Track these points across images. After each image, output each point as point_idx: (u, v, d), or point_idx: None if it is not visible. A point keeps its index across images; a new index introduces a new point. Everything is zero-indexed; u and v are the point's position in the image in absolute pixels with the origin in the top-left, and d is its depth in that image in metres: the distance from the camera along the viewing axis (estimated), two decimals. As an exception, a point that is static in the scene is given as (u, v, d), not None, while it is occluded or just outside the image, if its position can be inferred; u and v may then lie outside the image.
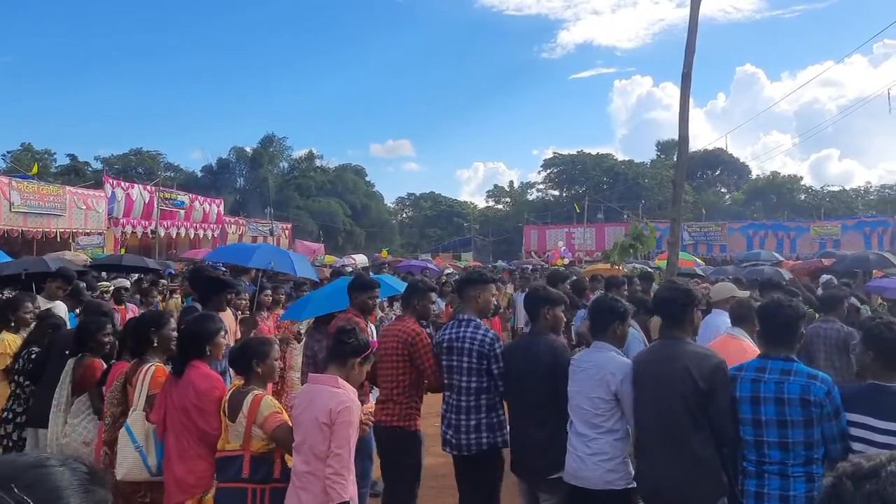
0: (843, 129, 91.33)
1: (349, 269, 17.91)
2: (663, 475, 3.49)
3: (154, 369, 4.04)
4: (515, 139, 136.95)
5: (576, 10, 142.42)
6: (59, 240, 23.76)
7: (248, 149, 62.92)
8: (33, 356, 5.21)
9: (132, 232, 29.44)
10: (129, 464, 3.84)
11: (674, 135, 9.78)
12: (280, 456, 3.56)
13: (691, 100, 9.41)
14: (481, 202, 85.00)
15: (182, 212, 33.36)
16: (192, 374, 3.78)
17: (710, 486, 3.40)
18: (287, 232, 45.45)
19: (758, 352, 4.64)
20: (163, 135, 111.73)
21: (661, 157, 73.12)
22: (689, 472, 3.41)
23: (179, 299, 11.81)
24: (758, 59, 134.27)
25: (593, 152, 73.17)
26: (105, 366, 4.67)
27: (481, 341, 4.41)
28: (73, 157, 55.45)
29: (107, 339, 4.86)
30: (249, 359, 3.69)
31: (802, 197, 67.93)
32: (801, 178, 73.69)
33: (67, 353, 4.84)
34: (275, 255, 8.40)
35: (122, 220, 28.56)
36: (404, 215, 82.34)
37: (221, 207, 38.18)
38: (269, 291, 8.20)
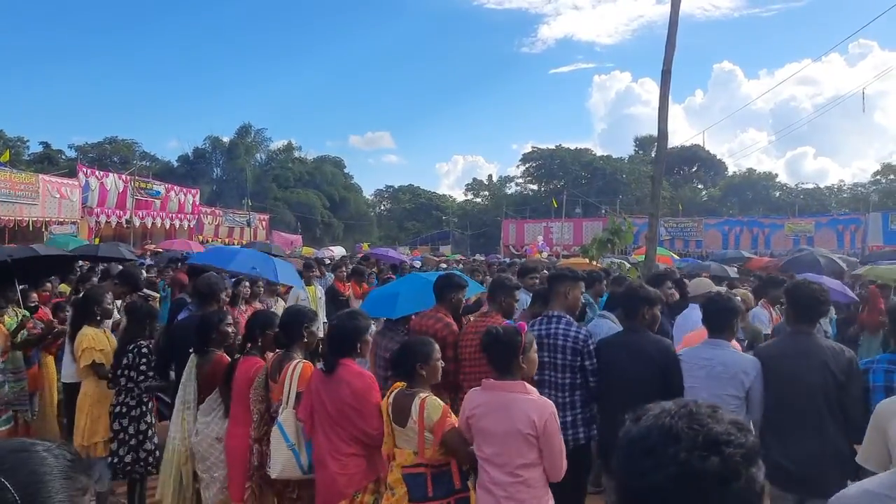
0: (818, 127, 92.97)
1: (327, 260, 17.81)
2: (806, 460, 3.64)
3: (302, 366, 3.98)
4: (495, 133, 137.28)
5: (556, 4, 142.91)
6: (31, 228, 23.40)
7: (224, 139, 62.26)
8: (143, 349, 5.13)
9: (106, 221, 29.07)
10: (283, 462, 3.82)
11: (652, 131, 9.91)
12: (456, 465, 3.46)
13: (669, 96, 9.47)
14: (460, 195, 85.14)
15: (157, 202, 33.00)
16: (343, 373, 3.70)
17: (843, 470, 3.58)
18: (264, 223, 45.13)
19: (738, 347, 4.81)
20: (138, 123, 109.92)
21: (640, 152, 73.64)
22: (826, 458, 3.62)
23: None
24: (736, 57, 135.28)
25: (572, 147, 73.44)
26: (229, 360, 4.56)
27: (574, 338, 4.44)
28: (46, 144, 54.51)
29: (231, 331, 4.73)
30: (412, 361, 3.55)
31: (777, 194, 68.85)
32: (777, 175, 74.84)
33: (191, 351, 4.71)
34: (257, 259, 8.27)
35: (96, 210, 28.19)
36: (383, 208, 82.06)
37: (198, 198, 37.81)
38: (247, 284, 8.14)
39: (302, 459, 3.83)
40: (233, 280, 8.13)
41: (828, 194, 71.05)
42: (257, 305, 8.08)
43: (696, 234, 45.54)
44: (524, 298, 7.65)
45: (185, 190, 36.95)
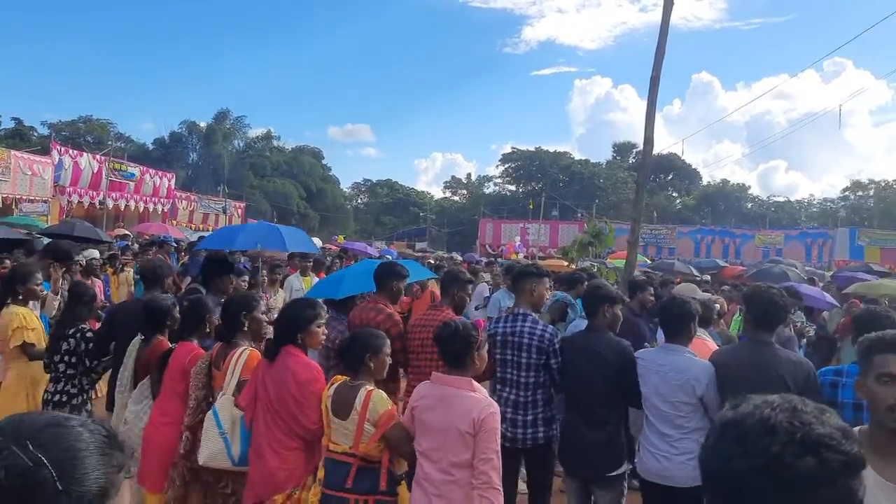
0: (791, 141, 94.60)
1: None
2: None
3: (248, 354, 3.83)
4: (475, 132, 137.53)
5: (541, 6, 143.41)
6: (1, 205, 22.89)
7: (202, 124, 61.48)
8: (87, 334, 4.90)
9: (79, 202, 28.50)
10: (213, 449, 3.62)
11: (630, 137, 10.06)
12: (386, 467, 3.31)
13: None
14: (438, 192, 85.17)
15: (132, 184, 32.46)
16: (290, 362, 3.54)
17: None
18: (240, 211, 44.67)
19: (715, 348, 4.85)
20: (114, 104, 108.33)
21: (617, 158, 74.31)
22: None
23: (131, 274, 11.51)
24: (715, 68, 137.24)
25: (551, 150, 73.90)
26: (170, 346, 4.41)
27: (540, 336, 4.38)
28: (18, 120, 53.22)
29: (177, 318, 4.56)
30: (362, 352, 3.43)
31: (749, 205, 69.96)
32: (749, 187, 75.98)
33: (141, 335, 4.53)
34: (262, 233, 8.03)
35: (68, 189, 27.64)
36: (360, 201, 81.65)
37: (173, 182, 37.27)
38: (264, 272, 8.02)
39: (233, 449, 3.62)
40: (251, 267, 7.98)
41: (798, 208, 72.41)
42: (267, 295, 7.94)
43: (669, 242, 46.11)
44: (506, 298, 7.71)
45: (160, 173, 36.40)
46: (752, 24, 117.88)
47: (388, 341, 3.58)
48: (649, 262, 24.52)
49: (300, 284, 9.23)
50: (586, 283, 7.60)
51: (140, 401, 4.31)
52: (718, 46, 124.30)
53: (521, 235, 46.48)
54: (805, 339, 8.54)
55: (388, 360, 3.57)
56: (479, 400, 3.16)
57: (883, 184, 67.32)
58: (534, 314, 4.57)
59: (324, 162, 70.65)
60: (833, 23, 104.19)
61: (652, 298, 6.93)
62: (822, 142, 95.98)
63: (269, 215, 52.09)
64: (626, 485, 4.30)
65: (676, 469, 3.84)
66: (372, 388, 3.35)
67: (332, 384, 3.45)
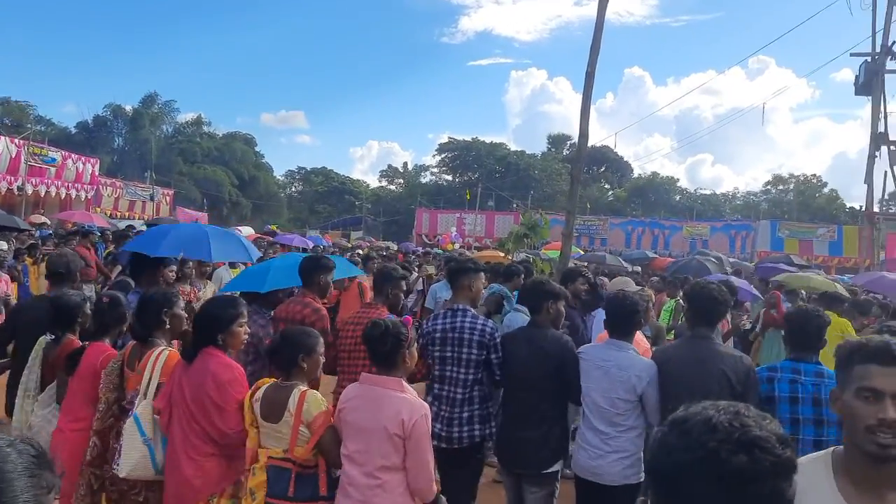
0: (717, 136, 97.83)
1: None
2: None
3: (168, 354, 3.60)
4: (411, 121, 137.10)
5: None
6: None
7: (127, 107, 59.17)
8: None
9: (-5, 187, 27.09)
10: (136, 459, 3.37)
11: (564, 129, 10.21)
12: (325, 471, 3.20)
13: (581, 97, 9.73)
14: (374, 181, 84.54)
15: (53, 169, 30.99)
16: (209, 364, 3.35)
17: None
18: (168, 198, 43.28)
19: (646, 343, 5.00)
20: (34, 86, 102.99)
21: (552, 150, 75.33)
22: None
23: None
24: (646, 63, 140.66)
25: (487, 140, 74.34)
26: (81, 346, 4.12)
27: (481, 331, 4.32)
28: (-73, 100, 50.21)
29: (89, 315, 4.26)
30: (294, 352, 3.28)
31: (678, 198, 72.10)
32: (678, 179, 78.26)
33: (50, 334, 4.22)
34: (188, 239, 7.64)
35: (-17, 174, 26.23)
36: (294, 189, 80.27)
37: (97, 168, 35.77)
38: (191, 263, 7.68)
39: (157, 457, 3.41)
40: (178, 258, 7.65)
41: (723, 200, 75.15)
42: (186, 289, 7.64)
43: (601, 233, 47.02)
44: (444, 291, 7.68)
45: (83, 158, 34.86)
46: (681, 20, 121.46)
47: (322, 340, 3.46)
48: (582, 252, 24.98)
49: (230, 276, 8.90)
50: (522, 276, 7.74)
51: (48, 404, 4.07)
52: (649, 42, 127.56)
53: (457, 226, 46.59)
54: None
55: (322, 360, 3.45)
56: (409, 401, 3.08)
57: (802, 178, 70.66)
58: (472, 309, 4.53)
59: (256, 149, 69.04)
60: (758, 22, 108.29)
61: (584, 289, 7.07)
62: (746, 137, 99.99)
63: (199, 203, 50.71)
64: (558, 484, 4.31)
65: (608, 467, 3.87)
66: (305, 388, 3.23)
67: (259, 387, 3.31)
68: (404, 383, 3.17)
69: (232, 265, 9.30)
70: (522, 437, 4.16)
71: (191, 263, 7.67)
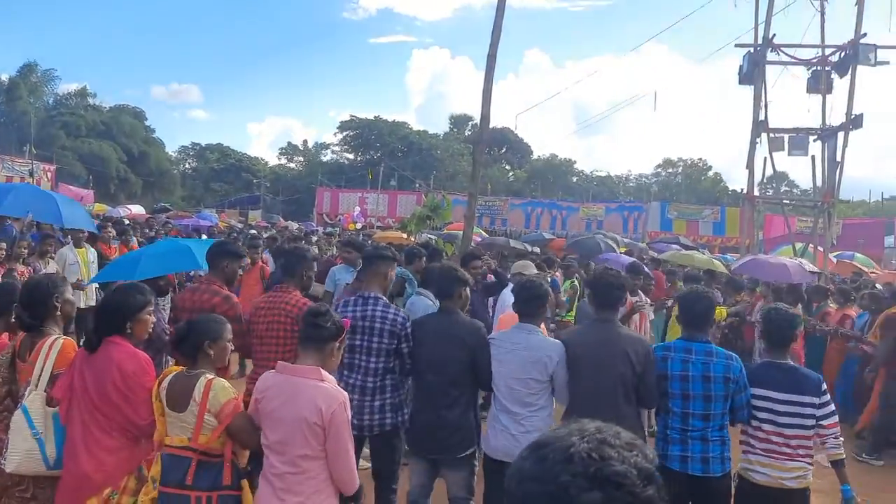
0: (612, 119, 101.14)
1: (126, 221, 16.45)
2: None
3: (62, 343, 3.42)
4: (312, 97, 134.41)
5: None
6: None
7: (3, 76, 54.87)
8: None
9: None
10: (23, 453, 3.20)
11: (466, 109, 10.25)
12: (230, 460, 3.12)
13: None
14: (273, 159, 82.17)
15: (-86, 141, 28.38)
16: (114, 353, 3.23)
17: None
18: (50, 174, 40.54)
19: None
20: None
21: (454, 130, 75.72)
22: None
23: None
24: (546, 46, 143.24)
25: (390, 119, 73.69)
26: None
27: (393, 321, 4.31)
28: None
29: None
30: (200, 339, 3.18)
31: (575, 179, 74.29)
32: (575, 161, 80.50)
33: None
34: (35, 199, 6.99)
35: None
36: (187, 166, 76.89)
37: (-33, 140, 33.05)
38: (26, 242, 7.08)
39: (48, 451, 3.25)
40: (13, 230, 7.03)
41: (617, 182, 78.03)
42: (21, 269, 7.04)
43: (502, 213, 47.77)
44: (344, 273, 7.54)
45: (-50, 130, 32.14)
46: (580, 5, 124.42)
47: (229, 326, 3.38)
48: (484, 233, 25.29)
49: (75, 257, 8.34)
50: (425, 258, 7.72)
51: None
52: (549, 26, 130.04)
53: (359, 205, 46.10)
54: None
55: (230, 347, 3.37)
56: (327, 390, 3.05)
57: (689, 162, 74.30)
58: (384, 298, 4.50)
59: (147, 123, 65.65)
60: (652, 9, 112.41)
61: (484, 270, 7.16)
62: (639, 120, 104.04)
63: (84, 179, 47.87)
64: (476, 463, 4.36)
65: (524, 446, 3.95)
66: (212, 377, 3.16)
67: (166, 376, 3.21)
68: (323, 372, 3.12)
69: (77, 244, 8.60)
70: (436, 423, 4.20)
71: (25, 242, 7.09)
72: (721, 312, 8.75)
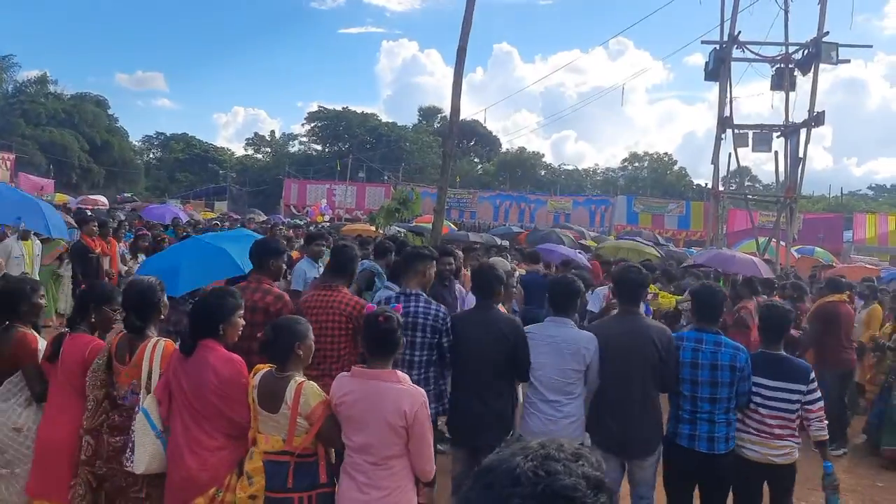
0: (580, 113, 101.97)
1: (88, 211, 16.12)
2: (632, 425, 4.21)
3: (164, 345, 3.50)
4: (279, 88, 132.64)
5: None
6: None
7: (-41, 62, 53.22)
8: None
9: None
10: (151, 454, 3.29)
11: (435, 102, 10.24)
12: (324, 458, 3.26)
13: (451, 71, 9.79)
14: (239, 149, 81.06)
15: None
16: (209, 357, 3.31)
17: (661, 432, 4.32)
18: (9, 163, 39.50)
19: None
20: None
21: (423, 122, 75.48)
22: (651, 420, 4.28)
23: None
24: (514, 40, 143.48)
25: (358, 110, 73.14)
26: (37, 337, 3.78)
27: (435, 316, 4.51)
28: None
29: (42, 303, 3.96)
30: (290, 342, 3.26)
31: (543, 173, 74.58)
32: (544, 155, 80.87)
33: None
34: (23, 207, 6.84)
35: None
36: (152, 156, 75.46)
37: (-79, 127, 32.04)
38: None
39: None
40: None
41: (584, 176, 78.56)
42: None
43: (471, 206, 47.87)
44: (311, 268, 7.47)
45: None
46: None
47: (311, 326, 3.46)
48: (453, 226, 25.33)
49: (20, 249, 8.16)
50: (393, 252, 7.71)
51: (6, 398, 3.77)
52: (519, 19, 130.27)
53: (327, 197, 45.80)
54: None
55: (313, 346, 3.45)
56: (408, 392, 3.19)
57: (655, 156, 75.14)
58: (425, 294, 4.68)
59: (110, 112, 64.22)
60: (620, 5, 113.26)
61: (451, 267, 7.19)
62: (606, 115, 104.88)
63: (44, 169, 46.77)
64: None
65: (560, 431, 4.19)
66: (302, 379, 3.27)
67: (255, 373, 3.28)
68: (399, 373, 3.27)
69: (24, 238, 8.40)
70: (480, 413, 4.40)
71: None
72: (670, 299, 8.97)
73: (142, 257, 9.67)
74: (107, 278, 8.63)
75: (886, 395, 7.57)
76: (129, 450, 3.36)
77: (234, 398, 3.30)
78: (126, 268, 9.55)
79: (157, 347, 3.50)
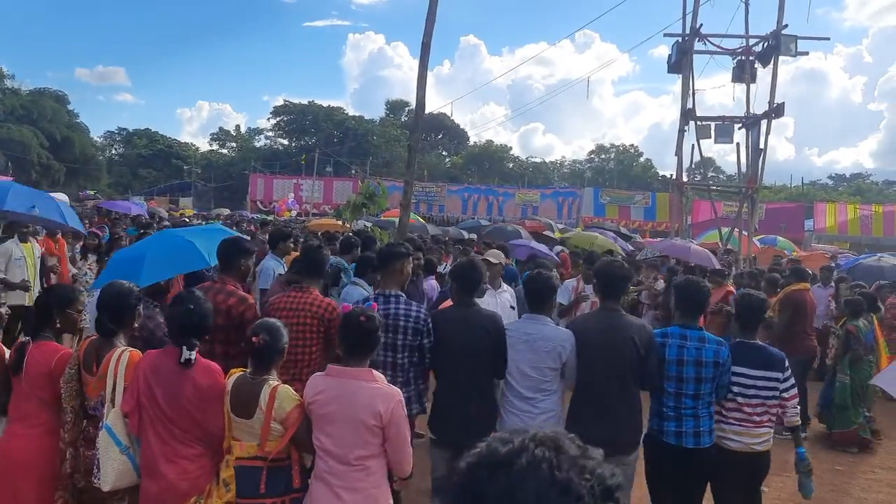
0: (547, 106, 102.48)
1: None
2: (613, 421, 4.13)
3: (129, 355, 3.37)
4: (244, 82, 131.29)
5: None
6: None
7: None
8: None
9: None
10: (117, 471, 3.20)
11: (403, 95, 10.22)
12: (298, 462, 3.22)
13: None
14: (204, 145, 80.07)
15: None
16: (187, 367, 3.23)
17: (641, 429, 4.29)
18: (-37, 160, 38.49)
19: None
20: None
21: (390, 115, 75.24)
22: (632, 418, 4.22)
23: None
24: (481, 32, 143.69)
25: (325, 104, 72.70)
26: (2, 347, 3.64)
27: (416, 318, 4.41)
28: None
29: (3, 312, 3.85)
30: (273, 351, 3.23)
31: (511, 165, 74.92)
32: (511, 147, 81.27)
33: None
34: (36, 197, 6.63)
35: None
36: (114, 152, 74.01)
37: None
38: None
39: (138, 462, 3.27)
40: None
41: (552, 168, 79.18)
42: None
43: (439, 199, 47.88)
44: (276, 265, 7.32)
45: None
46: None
47: (286, 330, 3.38)
48: (421, 219, 25.30)
49: (21, 252, 7.79)
50: (359, 248, 7.68)
51: None
52: (485, 11, 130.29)
53: (294, 192, 45.43)
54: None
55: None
56: (383, 391, 3.14)
57: (621, 148, 75.94)
58: (404, 295, 4.57)
59: (70, 107, 62.81)
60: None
61: (420, 262, 7.23)
62: (573, 107, 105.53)
63: (2, 166, 45.60)
64: None
65: (539, 426, 4.10)
66: (277, 383, 3.21)
67: (229, 378, 3.22)
68: (374, 372, 3.21)
69: (22, 239, 7.92)
70: (469, 412, 4.33)
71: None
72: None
73: (92, 258, 9.41)
74: (51, 276, 8.17)
75: (832, 379, 7.80)
76: (95, 466, 3.27)
77: (211, 409, 3.22)
78: (75, 270, 9.12)
79: (121, 358, 3.38)
